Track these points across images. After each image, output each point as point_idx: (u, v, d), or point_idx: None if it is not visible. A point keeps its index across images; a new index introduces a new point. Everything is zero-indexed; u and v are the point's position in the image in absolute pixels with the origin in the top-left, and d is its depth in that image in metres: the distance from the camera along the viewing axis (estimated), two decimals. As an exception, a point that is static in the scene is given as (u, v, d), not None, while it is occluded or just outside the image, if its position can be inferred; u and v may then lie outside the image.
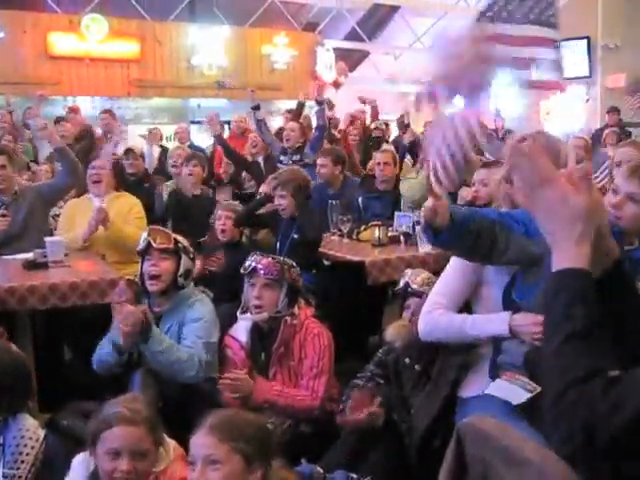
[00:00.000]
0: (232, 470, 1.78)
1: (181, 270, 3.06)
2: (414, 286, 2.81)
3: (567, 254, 1.13)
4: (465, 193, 4.12)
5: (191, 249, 3.18)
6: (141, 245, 3.10)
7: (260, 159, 6.60)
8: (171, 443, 2.09)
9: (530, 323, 2.07)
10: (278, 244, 4.25)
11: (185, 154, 5.71)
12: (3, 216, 4.04)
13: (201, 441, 1.82)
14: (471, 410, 2.09)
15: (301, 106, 7.88)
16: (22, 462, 2.22)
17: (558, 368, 1.09)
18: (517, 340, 2.09)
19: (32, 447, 2.25)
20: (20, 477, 2.19)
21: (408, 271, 2.97)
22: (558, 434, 1.07)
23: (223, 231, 4.31)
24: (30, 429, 2.28)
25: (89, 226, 4.15)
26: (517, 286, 2.19)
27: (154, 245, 3.04)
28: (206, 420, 1.86)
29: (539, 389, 1.79)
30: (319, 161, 5.26)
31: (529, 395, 1.82)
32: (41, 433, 2.29)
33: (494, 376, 2.12)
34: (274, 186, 4.29)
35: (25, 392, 2.36)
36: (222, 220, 4.32)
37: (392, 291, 4.23)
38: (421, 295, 2.75)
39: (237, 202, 4.94)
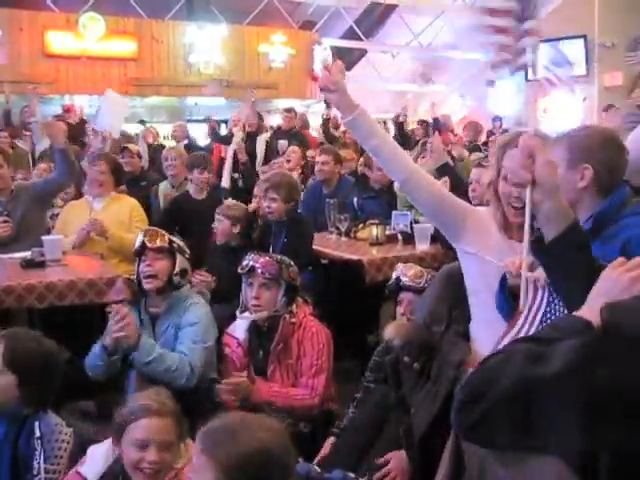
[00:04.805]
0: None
1: (177, 269, 3.06)
2: (405, 279, 2.79)
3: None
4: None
5: (187, 249, 3.18)
6: (136, 246, 3.11)
7: (295, 174, 5.67)
8: (190, 442, 2.09)
9: None
10: (271, 247, 4.12)
11: (179, 153, 5.64)
12: (5, 222, 3.96)
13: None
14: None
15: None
16: (61, 457, 2.23)
17: None
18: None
19: (68, 442, 2.27)
20: (60, 472, 2.20)
21: (399, 265, 2.95)
22: None
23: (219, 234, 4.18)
24: (62, 424, 2.29)
25: (79, 235, 4.08)
26: None
27: (149, 245, 3.05)
28: None
29: None
30: (321, 158, 5.23)
31: None
32: (69, 429, 2.30)
33: None
34: (265, 188, 4.18)
35: (55, 385, 2.33)
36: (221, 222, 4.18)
37: (387, 289, 4.24)
38: (413, 289, 2.74)
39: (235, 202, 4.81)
